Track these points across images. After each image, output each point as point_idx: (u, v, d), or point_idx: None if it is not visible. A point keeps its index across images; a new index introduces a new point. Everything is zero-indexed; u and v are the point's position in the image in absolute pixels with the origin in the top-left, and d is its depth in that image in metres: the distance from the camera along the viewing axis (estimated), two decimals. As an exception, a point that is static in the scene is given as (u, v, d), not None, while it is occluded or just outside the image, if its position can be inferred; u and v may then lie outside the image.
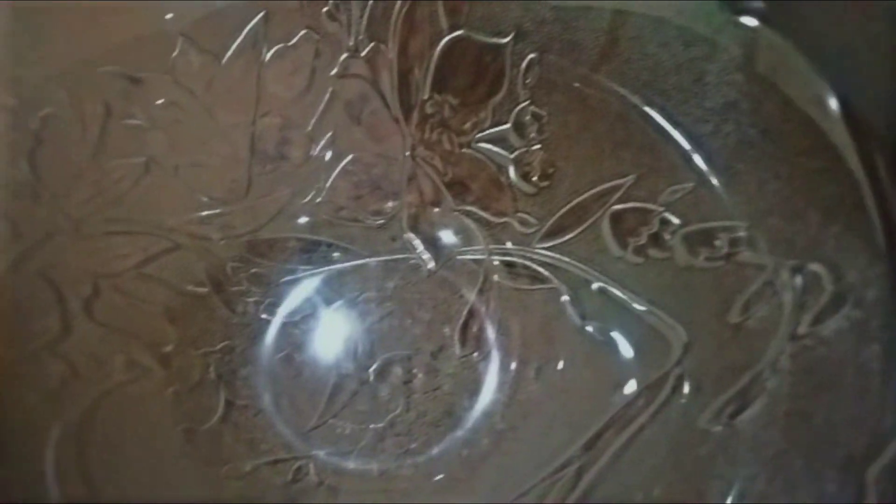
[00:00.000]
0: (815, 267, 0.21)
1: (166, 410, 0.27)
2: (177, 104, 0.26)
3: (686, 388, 0.24)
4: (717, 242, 0.24)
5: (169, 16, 0.25)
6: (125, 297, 0.27)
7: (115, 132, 0.25)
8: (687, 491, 0.22)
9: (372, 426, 0.29)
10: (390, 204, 0.31)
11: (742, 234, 0.23)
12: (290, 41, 0.26)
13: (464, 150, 0.29)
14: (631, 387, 0.26)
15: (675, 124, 0.24)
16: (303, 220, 0.30)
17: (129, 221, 0.27)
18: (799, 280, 0.22)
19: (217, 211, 0.29)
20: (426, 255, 0.31)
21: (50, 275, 0.25)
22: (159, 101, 0.26)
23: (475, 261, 0.30)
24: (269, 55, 0.26)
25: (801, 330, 0.22)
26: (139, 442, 0.26)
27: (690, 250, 0.25)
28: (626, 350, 0.27)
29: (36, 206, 0.25)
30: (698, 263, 0.24)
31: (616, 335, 0.27)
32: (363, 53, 0.27)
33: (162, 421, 0.27)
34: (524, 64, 0.26)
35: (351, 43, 0.26)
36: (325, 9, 0.25)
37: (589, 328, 0.28)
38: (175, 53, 0.25)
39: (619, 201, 0.26)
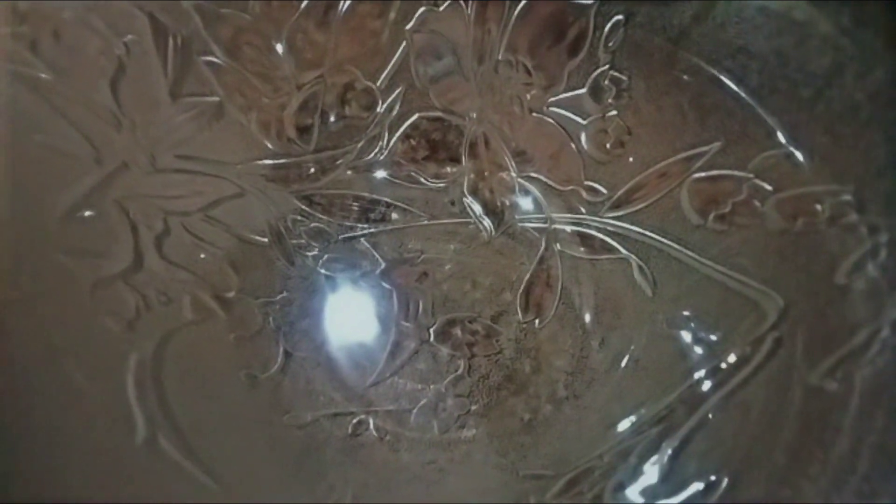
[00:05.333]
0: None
1: (231, 355, 0.27)
2: (253, 45, 0.26)
3: (786, 350, 0.23)
4: (818, 207, 0.23)
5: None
6: (192, 237, 0.26)
7: (193, 68, 0.25)
8: (810, 444, 0.21)
9: (433, 386, 0.29)
10: (449, 169, 0.30)
11: (847, 197, 0.23)
12: (369, -9, 0.26)
13: (533, 114, 0.28)
14: (706, 357, 0.25)
15: (771, 90, 0.23)
16: (364, 177, 0.30)
17: (199, 161, 0.26)
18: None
19: (281, 161, 0.28)
20: (486, 221, 0.30)
21: (126, 205, 0.25)
22: (237, 40, 0.25)
23: (537, 228, 0.30)
24: (345, 6, 0.26)
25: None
26: (207, 381, 0.26)
27: (786, 216, 0.24)
28: (702, 319, 0.26)
29: (116, 134, 0.24)
30: (796, 228, 0.24)
31: (690, 305, 0.27)
32: (441, 9, 0.26)
33: (226, 364, 0.27)
34: (608, 26, 0.25)
35: (430, -4, 0.26)
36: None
37: (660, 298, 0.27)
38: (256, -7, 0.25)
39: (703, 168, 0.26)
